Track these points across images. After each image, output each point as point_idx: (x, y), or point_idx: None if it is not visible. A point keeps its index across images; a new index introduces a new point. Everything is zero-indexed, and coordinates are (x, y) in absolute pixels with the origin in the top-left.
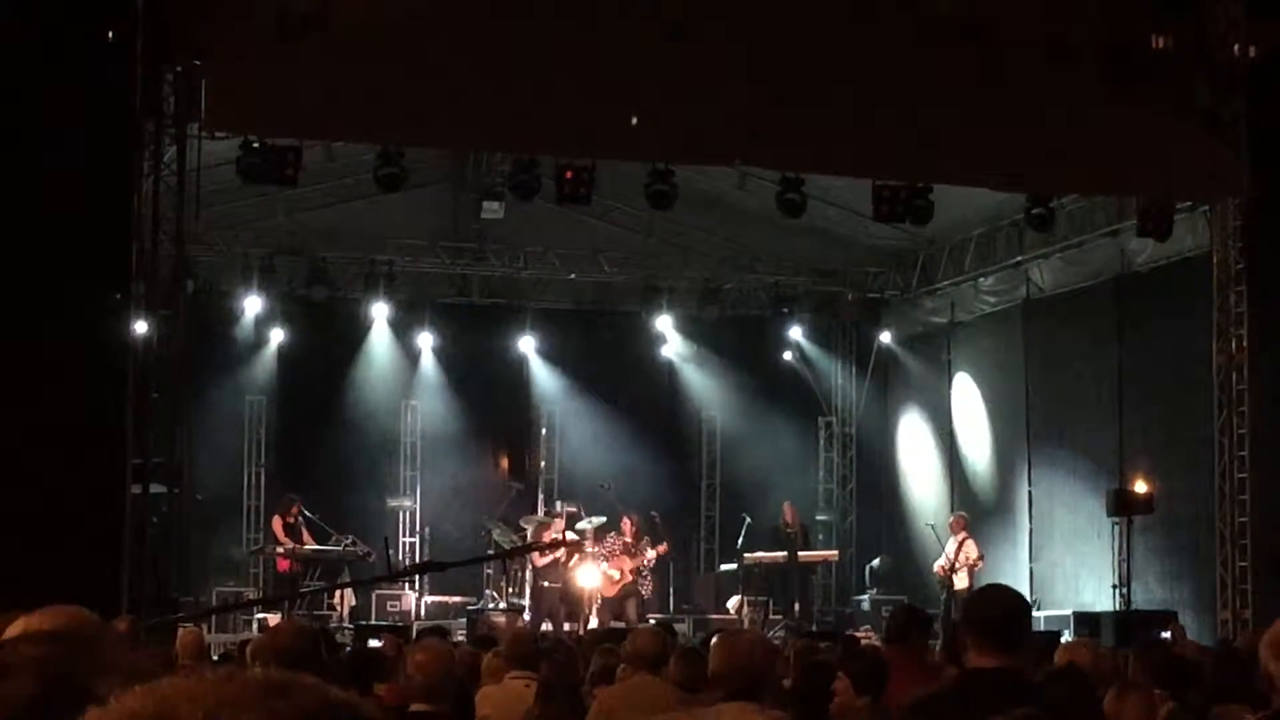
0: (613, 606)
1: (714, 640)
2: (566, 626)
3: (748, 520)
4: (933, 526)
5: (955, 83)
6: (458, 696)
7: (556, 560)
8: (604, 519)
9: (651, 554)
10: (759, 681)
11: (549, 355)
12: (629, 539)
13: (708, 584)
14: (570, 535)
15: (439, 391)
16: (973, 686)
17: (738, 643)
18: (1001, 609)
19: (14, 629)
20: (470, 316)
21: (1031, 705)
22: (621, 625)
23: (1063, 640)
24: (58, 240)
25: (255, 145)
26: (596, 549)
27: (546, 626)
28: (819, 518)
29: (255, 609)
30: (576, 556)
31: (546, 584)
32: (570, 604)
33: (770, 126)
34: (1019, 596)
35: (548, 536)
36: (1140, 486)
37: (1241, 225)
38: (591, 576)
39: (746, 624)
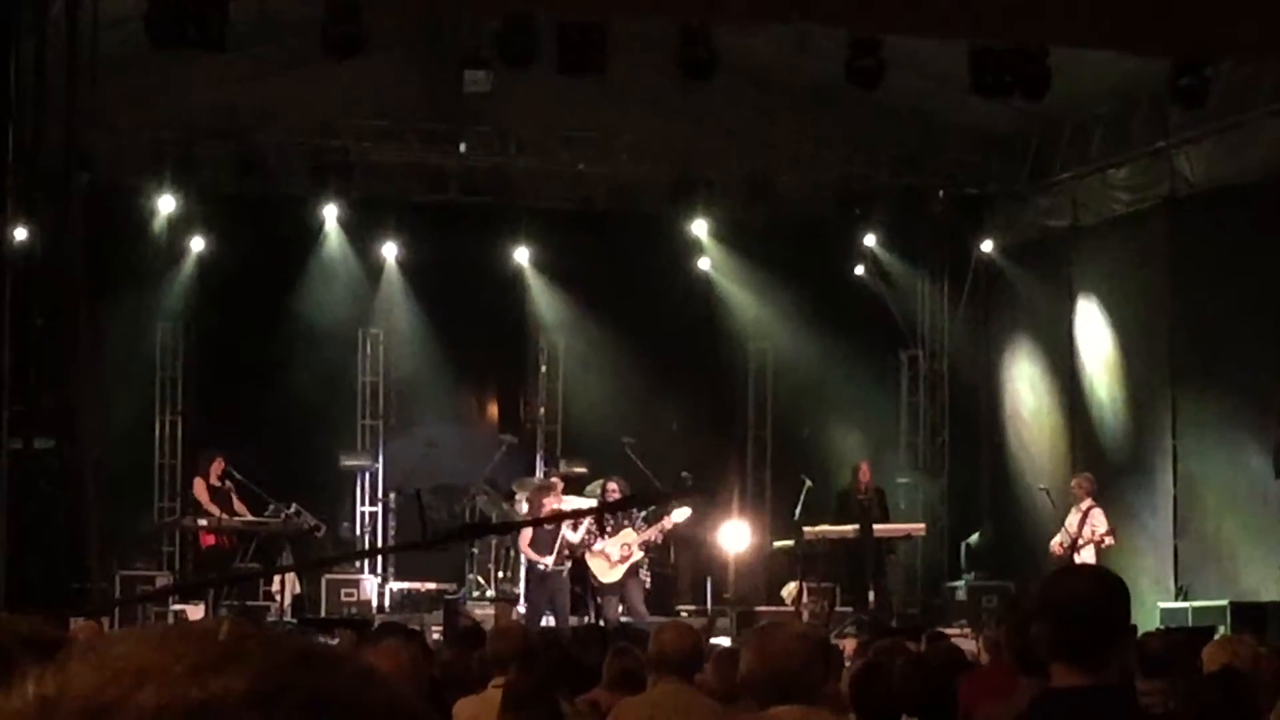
0: (618, 593)
1: (748, 637)
2: (574, 620)
3: (808, 483)
4: (1048, 491)
5: None
6: (429, 709)
7: (553, 537)
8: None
9: (668, 522)
10: (800, 688)
11: (550, 270)
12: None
13: (756, 566)
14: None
15: (407, 317)
16: (1055, 713)
17: (774, 640)
18: (1089, 605)
19: None
20: (448, 220)
21: None
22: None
23: (1216, 638)
24: None
25: None
26: (586, 529)
27: (549, 621)
28: (900, 480)
29: (171, 598)
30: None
31: (544, 566)
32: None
33: None
34: (1112, 583)
35: (547, 505)
36: None
37: None
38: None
39: (806, 618)
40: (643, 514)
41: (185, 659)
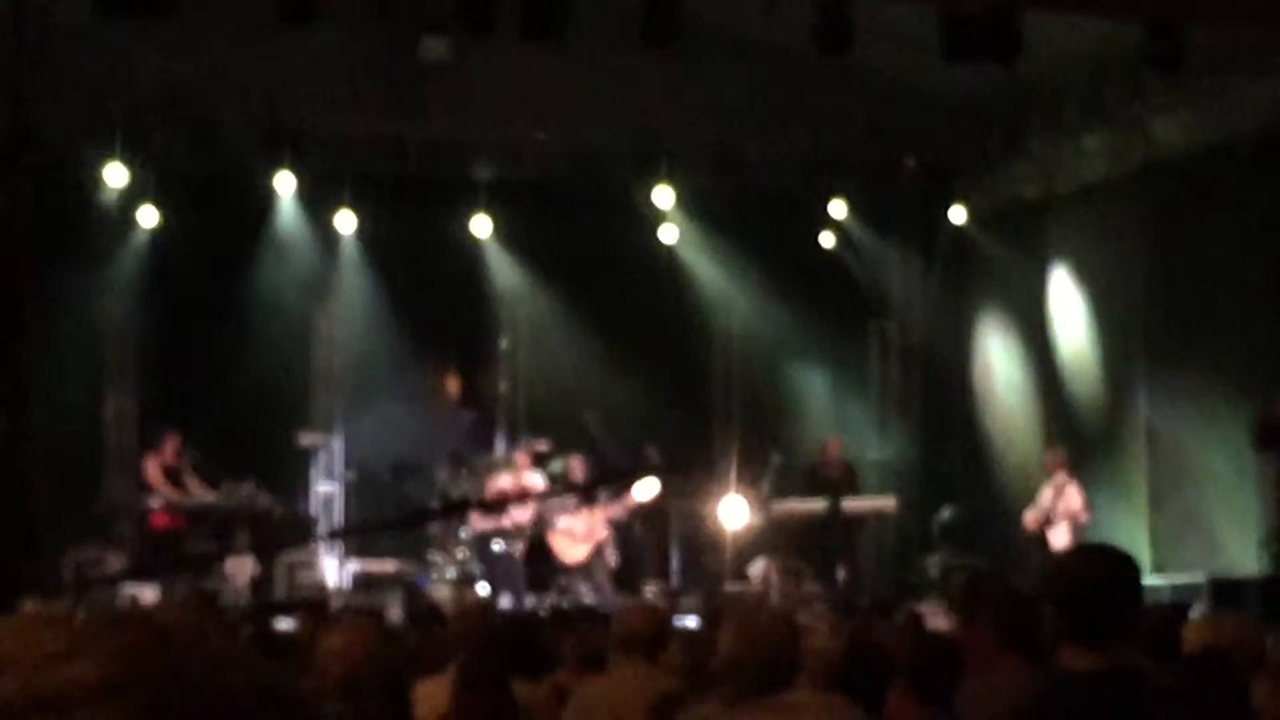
0: (582, 573)
1: (725, 620)
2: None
3: (776, 459)
4: (1021, 465)
5: None
6: (389, 691)
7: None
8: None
9: (632, 499)
10: (782, 671)
11: (511, 242)
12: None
13: (722, 544)
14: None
15: (364, 291)
16: (1071, 697)
17: (754, 622)
18: (1103, 584)
19: None
20: (405, 192)
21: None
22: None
23: (1191, 616)
24: None
25: None
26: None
27: (506, 601)
28: (871, 455)
29: (122, 581)
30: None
31: (498, 547)
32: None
33: None
34: (1125, 562)
35: (493, 483)
36: None
37: None
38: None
39: (775, 597)
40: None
41: (38, 649)
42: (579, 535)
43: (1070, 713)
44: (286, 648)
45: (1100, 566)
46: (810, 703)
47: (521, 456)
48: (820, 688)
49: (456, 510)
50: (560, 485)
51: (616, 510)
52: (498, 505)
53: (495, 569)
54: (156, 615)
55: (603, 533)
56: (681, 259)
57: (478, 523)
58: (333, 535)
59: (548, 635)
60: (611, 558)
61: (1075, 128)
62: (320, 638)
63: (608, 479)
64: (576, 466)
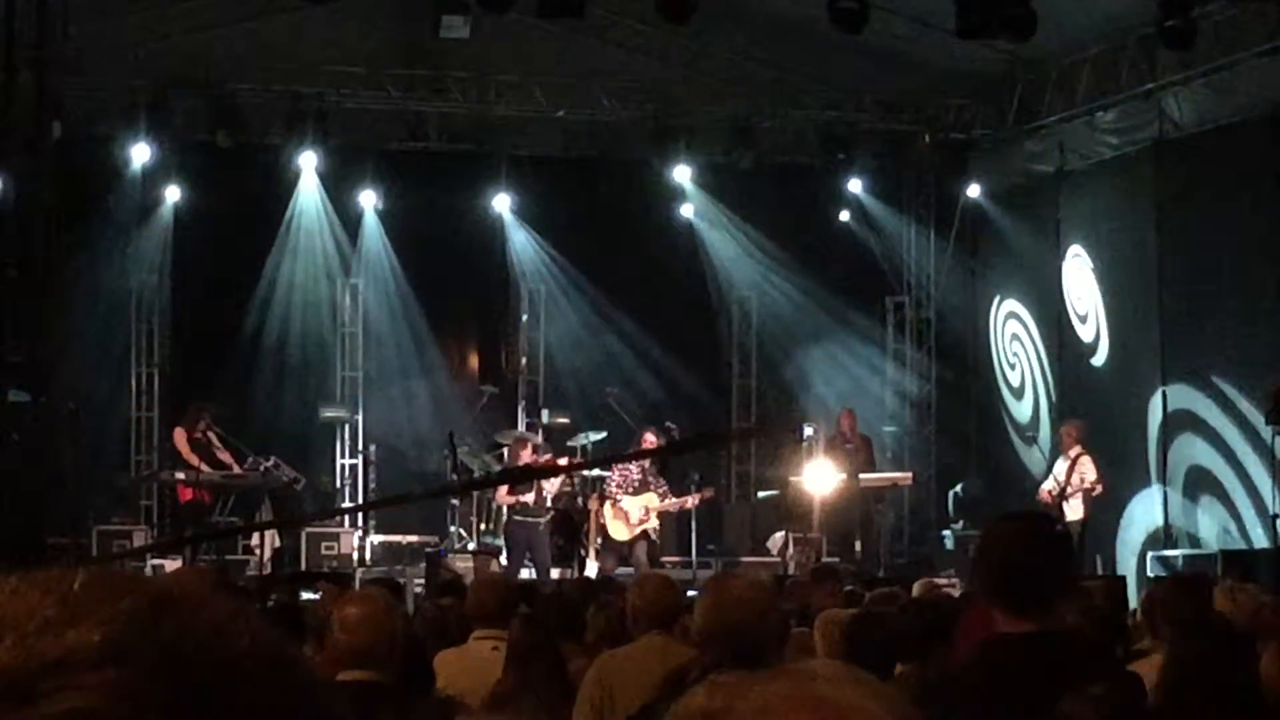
0: (620, 550)
1: (701, 590)
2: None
3: (793, 433)
4: (1035, 439)
5: None
6: (409, 662)
7: (535, 489)
8: (605, 434)
9: (689, 500)
10: (759, 645)
11: (531, 218)
12: (648, 464)
13: (741, 517)
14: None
15: (387, 266)
16: (999, 661)
17: (728, 593)
18: (1027, 552)
19: None
20: (427, 167)
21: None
22: (627, 571)
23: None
24: None
25: None
26: (617, 477)
27: (528, 574)
28: (887, 429)
29: (149, 553)
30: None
31: (521, 518)
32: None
33: None
34: (1047, 530)
35: (526, 455)
36: None
37: None
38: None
39: (792, 568)
40: (654, 467)
41: (39, 613)
42: (633, 519)
43: (997, 676)
44: (309, 619)
45: (1025, 535)
46: (826, 670)
47: (531, 437)
48: (831, 656)
49: (487, 483)
50: (590, 456)
51: (671, 506)
52: (529, 477)
53: (518, 541)
54: (159, 579)
55: (653, 522)
56: (699, 233)
57: (502, 497)
58: (356, 509)
59: (573, 606)
60: (655, 535)
61: (1089, 103)
62: (338, 608)
63: (673, 449)
64: (650, 441)
